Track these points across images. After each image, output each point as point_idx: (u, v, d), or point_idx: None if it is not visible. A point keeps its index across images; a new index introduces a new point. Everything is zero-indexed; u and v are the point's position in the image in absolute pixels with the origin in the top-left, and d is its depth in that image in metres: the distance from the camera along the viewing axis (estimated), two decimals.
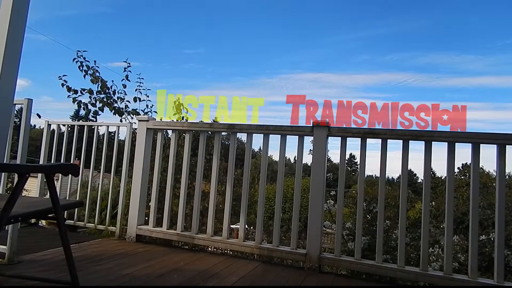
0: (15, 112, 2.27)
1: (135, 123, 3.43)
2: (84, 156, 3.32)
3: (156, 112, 4.40)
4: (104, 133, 3.34)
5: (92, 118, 4.25)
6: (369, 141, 2.36)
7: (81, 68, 4.34)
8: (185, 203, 2.82)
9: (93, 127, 3.33)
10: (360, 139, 2.36)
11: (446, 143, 2.17)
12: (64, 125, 3.42)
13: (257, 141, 2.77)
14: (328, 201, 3.91)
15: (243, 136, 2.79)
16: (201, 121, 3.38)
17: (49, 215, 1.42)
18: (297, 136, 2.53)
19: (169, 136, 3.65)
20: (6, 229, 2.05)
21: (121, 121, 4.33)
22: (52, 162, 3.32)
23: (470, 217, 2.07)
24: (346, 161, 2.49)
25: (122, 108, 4.41)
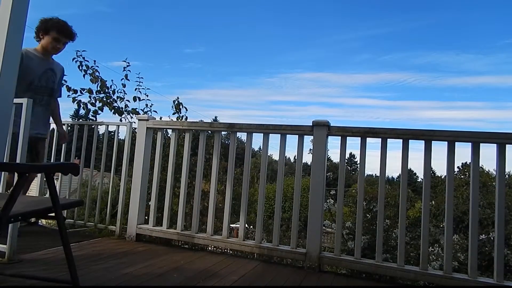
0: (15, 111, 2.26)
1: (134, 122, 3.43)
2: (84, 155, 3.33)
3: (155, 111, 4.41)
4: (103, 133, 3.34)
5: (92, 118, 4.25)
6: (369, 140, 2.37)
7: (80, 68, 4.33)
8: (185, 202, 2.82)
9: (92, 126, 3.33)
10: (360, 138, 2.35)
11: (446, 142, 2.17)
12: (63, 124, 3.42)
13: (257, 140, 2.77)
14: (328, 200, 3.91)
15: (243, 136, 2.79)
16: (201, 120, 3.38)
17: (49, 214, 1.41)
18: (297, 136, 2.52)
19: (169, 135, 3.64)
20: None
21: (120, 120, 4.33)
22: (52, 161, 3.32)
23: (470, 216, 2.07)
24: (346, 160, 2.49)
25: (122, 108, 4.41)
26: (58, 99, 3.12)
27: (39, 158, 2.88)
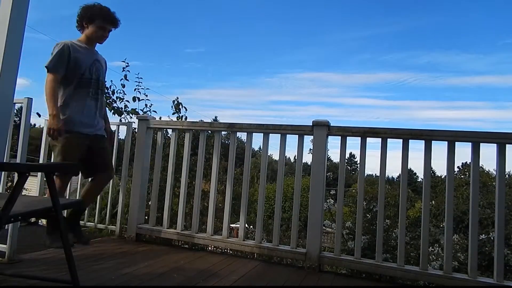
0: (15, 111, 2.26)
1: (134, 122, 3.43)
2: None
3: (155, 111, 4.41)
4: None
5: None
6: (369, 140, 2.36)
7: None
8: (185, 202, 2.82)
9: None
10: (360, 138, 2.35)
11: (446, 142, 2.17)
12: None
13: (257, 140, 2.77)
14: (328, 200, 3.90)
15: (243, 136, 2.79)
16: (201, 120, 3.38)
17: (49, 214, 1.41)
18: (297, 136, 2.52)
19: (168, 135, 3.64)
20: (6, 228, 2.05)
21: (120, 120, 4.32)
22: (52, 161, 3.31)
23: (470, 216, 2.07)
24: (346, 160, 2.49)
25: (121, 108, 4.41)
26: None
27: (105, 155, 2.60)
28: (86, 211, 3.22)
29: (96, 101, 2.52)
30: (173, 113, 4.62)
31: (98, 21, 2.47)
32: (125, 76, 4.45)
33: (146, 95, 4.42)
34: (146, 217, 3.00)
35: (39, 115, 4.35)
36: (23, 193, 1.98)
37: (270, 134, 2.59)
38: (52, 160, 2.48)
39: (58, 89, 2.34)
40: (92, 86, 2.49)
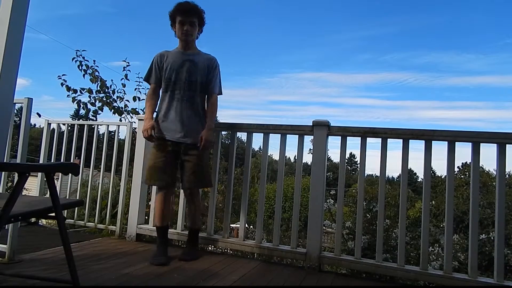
0: (15, 111, 2.26)
1: (134, 122, 3.43)
2: (84, 155, 3.32)
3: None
4: (104, 132, 3.34)
5: (92, 118, 4.25)
6: (369, 140, 2.36)
7: (80, 68, 4.34)
8: (185, 202, 2.81)
9: (93, 126, 3.33)
10: (360, 138, 2.35)
11: (446, 142, 2.17)
12: (64, 124, 3.42)
13: (257, 140, 2.77)
14: (328, 200, 3.91)
15: (243, 136, 2.79)
16: None
17: (49, 214, 1.41)
18: (297, 136, 2.52)
19: None
20: (6, 228, 2.05)
21: (120, 120, 4.33)
22: (52, 161, 3.32)
23: (470, 216, 2.07)
24: (346, 160, 2.49)
25: (122, 108, 4.41)
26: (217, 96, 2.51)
27: (189, 167, 2.34)
28: (86, 211, 3.22)
29: (182, 103, 2.38)
30: None
31: (177, 18, 2.40)
32: (126, 75, 4.46)
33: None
34: (146, 217, 3.00)
35: (39, 115, 4.38)
36: (23, 193, 1.98)
37: (270, 134, 2.59)
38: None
39: (154, 98, 2.48)
40: (179, 88, 2.38)
